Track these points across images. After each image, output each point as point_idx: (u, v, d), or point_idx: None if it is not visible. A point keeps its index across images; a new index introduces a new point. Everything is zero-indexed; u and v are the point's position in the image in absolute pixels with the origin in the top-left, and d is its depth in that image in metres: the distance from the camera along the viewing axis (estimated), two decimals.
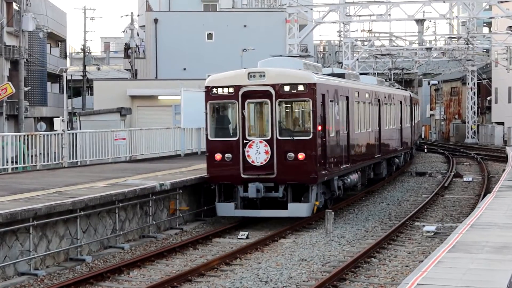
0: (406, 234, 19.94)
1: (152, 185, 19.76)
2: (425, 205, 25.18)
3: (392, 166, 34.81)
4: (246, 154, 20.90)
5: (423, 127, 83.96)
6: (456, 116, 78.99)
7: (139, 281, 14.75)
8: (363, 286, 14.13)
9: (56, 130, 32.55)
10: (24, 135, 25.99)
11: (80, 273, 15.27)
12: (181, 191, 21.34)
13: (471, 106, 68.58)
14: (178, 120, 31.57)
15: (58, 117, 45.46)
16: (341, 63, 57.29)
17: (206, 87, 21.64)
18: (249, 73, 21.14)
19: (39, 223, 15.28)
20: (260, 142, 20.83)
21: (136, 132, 30.53)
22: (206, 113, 21.63)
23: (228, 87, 21.22)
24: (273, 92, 20.78)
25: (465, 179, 34.73)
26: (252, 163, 20.84)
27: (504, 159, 42.06)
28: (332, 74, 25.71)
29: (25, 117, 44.45)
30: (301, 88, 20.84)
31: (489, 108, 71.04)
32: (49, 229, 15.86)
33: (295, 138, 20.92)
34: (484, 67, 72.06)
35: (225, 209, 21.42)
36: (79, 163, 27.15)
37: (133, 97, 42.24)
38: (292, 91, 20.84)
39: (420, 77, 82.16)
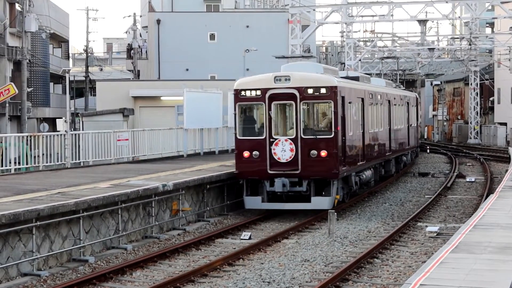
0: (409, 235, 19.94)
1: (154, 186, 19.76)
2: (428, 205, 25.16)
3: (400, 164, 36.50)
4: (273, 151, 22.63)
5: (426, 128, 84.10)
6: (459, 117, 78.95)
7: (142, 281, 14.76)
8: (366, 287, 14.13)
9: (59, 131, 32.57)
10: (27, 136, 25.98)
11: (83, 274, 15.28)
12: (183, 192, 21.36)
13: (474, 106, 68.52)
14: (181, 121, 31.55)
15: (60, 117, 45.53)
16: (344, 63, 57.33)
17: (235, 90, 23.35)
18: (275, 77, 22.81)
19: (42, 224, 15.29)
20: (286, 140, 22.60)
21: (138, 133, 30.53)
22: (235, 114, 23.43)
23: (255, 90, 22.93)
24: (297, 94, 22.51)
25: (468, 179, 34.71)
26: (278, 160, 22.60)
27: (507, 160, 42.04)
28: (347, 77, 27.40)
29: (27, 118, 44.49)
30: (323, 90, 22.57)
31: (491, 109, 70.97)
32: (52, 230, 15.88)
33: (318, 137, 22.64)
34: (487, 68, 72.00)
35: (253, 202, 23.21)
36: (81, 164, 27.15)
37: (135, 98, 42.27)
38: (315, 93, 22.59)
39: (422, 78, 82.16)
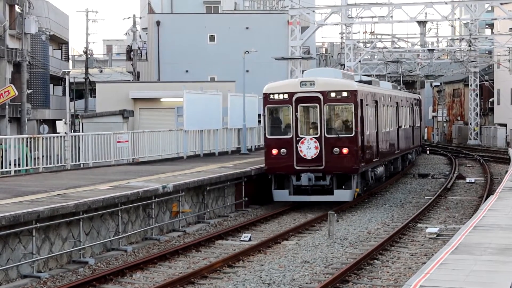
0: (409, 236, 19.94)
1: (154, 188, 19.76)
2: (427, 206, 25.17)
3: (406, 162, 39.29)
4: (299, 149, 24.99)
5: (426, 129, 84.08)
6: (459, 118, 78.93)
7: (142, 283, 14.76)
8: None
9: (58, 133, 32.57)
10: (27, 138, 25.96)
11: (83, 276, 15.28)
12: (183, 194, 21.35)
13: (474, 107, 68.50)
14: (181, 122, 31.52)
15: (60, 119, 45.58)
16: (343, 65, 57.32)
17: (264, 94, 25.81)
18: (301, 82, 25.46)
19: (42, 226, 15.29)
20: (311, 139, 25.00)
21: (138, 135, 30.50)
22: (264, 115, 26.06)
23: (283, 93, 25.41)
24: (321, 97, 24.93)
25: (467, 180, 34.72)
26: (304, 157, 24.94)
27: (507, 161, 42.04)
28: (361, 81, 29.84)
29: (27, 120, 44.46)
30: (345, 94, 25.09)
31: (491, 110, 70.93)
32: (52, 232, 15.88)
33: (340, 135, 25.13)
34: (487, 69, 71.96)
35: (281, 195, 25.45)
36: (81, 166, 27.14)
37: (135, 100, 42.26)
38: (338, 96, 25.07)
39: (422, 79, 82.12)
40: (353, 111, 25.03)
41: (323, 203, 25.35)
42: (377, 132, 28.65)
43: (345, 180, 25.20)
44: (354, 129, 25.06)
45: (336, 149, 24.82)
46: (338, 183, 25.10)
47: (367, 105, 26.59)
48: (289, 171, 25.08)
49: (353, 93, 25.10)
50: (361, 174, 26.11)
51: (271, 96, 25.55)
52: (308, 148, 24.90)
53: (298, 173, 24.92)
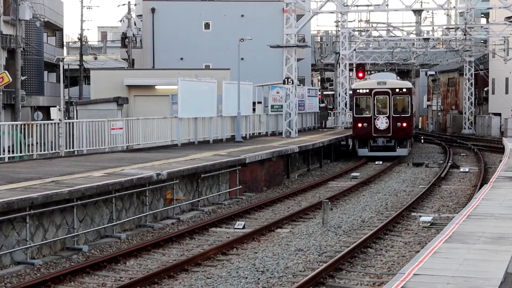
0: (402, 225, 19.97)
1: (149, 175, 19.73)
2: (421, 195, 25.20)
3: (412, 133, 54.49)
4: (375, 123, 40.12)
5: (420, 118, 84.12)
6: (453, 107, 78.96)
7: (135, 270, 14.76)
8: (360, 276, 14.15)
9: (53, 120, 32.42)
10: (21, 124, 25.84)
11: (76, 262, 15.28)
12: (177, 181, 21.33)
13: (468, 97, 68.49)
14: (175, 110, 31.43)
15: (55, 106, 45.38)
16: (339, 53, 57.30)
17: (353, 89, 42.82)
18: (377, 82, 40.91)
19: (35, 212, 15.26)
20: (383, 117, 40.19)
21: (133, 122, 30.39)
22: (353, 102, 42.11)
23: (365, 89, 40.78)
24: (390, 92, 40.26)
25: (461, 169, 34.79)
26: (378, 128, 40.14)
27: (501, 150, 42.10)
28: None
29: (21, 106, 44.29)
30: (404, 90, 40.72)
31: (486, 99, 70.97)
32: (45, 219, 15.85)
33: (401, 115, 40.15)
34: (482, 58, 71.92)
35: (362, 152, 40.70)
36: (75, 153, 27.04)
37: (130, 87, 42.14)
38: (400, 91, 40.49)
39: (417, 68, 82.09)
40: (409, 101, 40.48)
41: (387, 158, 39.06)
42: (413, 113, 42.53)
43: (402, 142, 40.32)
44: (409, 111, 40.41)
45: (399, 123, 39.80)
46: (398, 144, 40.14)
47: (412, 95, 40.88)
48: (369, 137, 40.21)
49: (409, 89, 40.85)
50: (410, 139, 41.31)
51: (358, 90, 41.02)
52: (381, 123, 39.91)
53: (374, 138, 40.06)
